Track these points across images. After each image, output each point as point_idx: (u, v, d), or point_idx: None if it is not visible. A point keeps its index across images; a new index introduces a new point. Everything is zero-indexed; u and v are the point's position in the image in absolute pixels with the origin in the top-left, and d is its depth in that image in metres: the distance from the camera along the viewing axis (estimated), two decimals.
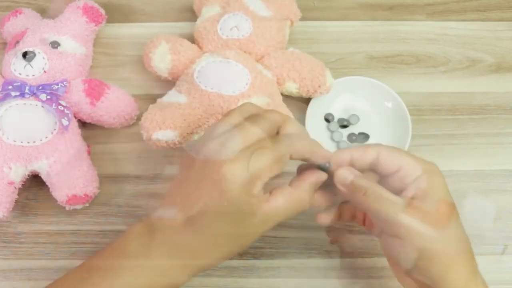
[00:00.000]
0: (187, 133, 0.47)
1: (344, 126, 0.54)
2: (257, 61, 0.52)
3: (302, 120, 0.52)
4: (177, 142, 0.47)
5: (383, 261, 0.48)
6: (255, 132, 0.36)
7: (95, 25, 0.56)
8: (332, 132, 0.53)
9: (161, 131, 0.46)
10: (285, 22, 0.55)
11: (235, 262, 0.48)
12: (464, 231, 0.39)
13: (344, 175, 0.39)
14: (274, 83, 0.51)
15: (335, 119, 0.54)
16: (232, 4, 0.54)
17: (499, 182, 0.52)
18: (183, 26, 0.60)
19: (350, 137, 0.53)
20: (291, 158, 0.38)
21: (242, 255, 0.48)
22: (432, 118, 0.55)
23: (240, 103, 0.47)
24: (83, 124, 0.52)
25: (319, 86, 0.51)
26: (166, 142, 0.46)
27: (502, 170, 0.53)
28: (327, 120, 0.54)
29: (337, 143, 0.53)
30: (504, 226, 0.50)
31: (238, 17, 0.53)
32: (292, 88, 0.51)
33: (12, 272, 0.47)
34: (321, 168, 0.39)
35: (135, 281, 0.36)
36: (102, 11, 0.56)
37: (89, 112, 0.50)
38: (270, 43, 0.53)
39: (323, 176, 0.39)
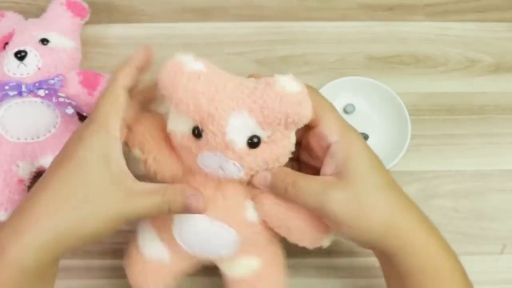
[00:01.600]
0: (173, 282, 0.43)
1: None
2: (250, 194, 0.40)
3: None
4: None
5: None
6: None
7: (80, 19, 0.56)
8: None
9: None
10: (290, 134, 0.37)
11: None
12: (398, 192, 0.38)
13: (263, 175, 0.38)
14: (264, 229, 0.41)
15: None
16: (210, 136, 0.35)
17: (498, 182, 0.52)
18: (184, 27, 0.60)
19: None
20: (128, 87, 0.38)
21: None
22: (431, 118, 0.55)
23: (225, 266, 0.43)
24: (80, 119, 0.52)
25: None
26: None
27: (502, 170, 0.53)
28: None
29: None
30: (504, 226, 0.50)
31: (222, 160, 0.36)
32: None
33: None
34: None
35: None
36: (85, 5, 0.57)
37: (88, 102, 0.51)
38: (270, 166, 0.38)
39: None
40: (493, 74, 0.58)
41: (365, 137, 0.53)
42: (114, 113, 0.36)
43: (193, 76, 0.35)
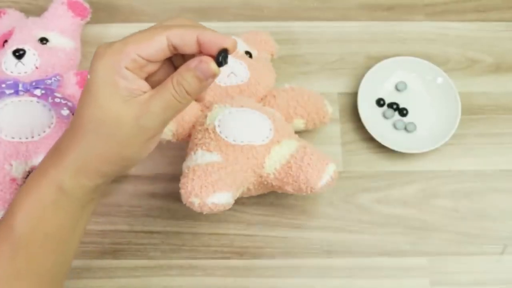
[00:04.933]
0: (236, 191, 0.44)
1: (395, 109, 0.55)
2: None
3: (353, 99, 0.54)
4: (231, 205, 0.43)
5: (383, 261, 0.48)
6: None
7: (81, 19, 0.56)
8: (384, 111, 0.55)
9: (216, 194, 0.42)
10: (269, 58, 0.55)
11: (235, 262, 0.48)
12: None
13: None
14: (286, 123, 0.50)
15: (386, 103, 0.55)
16: None
17: (499, 182, 0.52)
18: None
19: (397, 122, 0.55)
20: (174, 44, 0.34)
21: (242, 255, 0.49)
22: None
23: (272, 153, 0.45)
24: None
25: (324, 117, 0.51)
26: (223, 205, 0.42)
27: (502, 170, 0.53)
28: (378, 104, 0.55)
29: (391, 120, 0.55)
30: (504, 226, 0.50)
31: (232, 62, 0.50)
32: (300, 123, 0.51)
33: None
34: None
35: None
36: (87, 5, 0.57)
37: None
38: (269, 83, 0.52)
39: (208, 62, 0.34)
40: (493, 74, 0.58)
41: (405, 113, 0.55)
42: (133, 52, 0.34)
43: None
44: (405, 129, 0.54)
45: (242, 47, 0.52)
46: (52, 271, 0.37)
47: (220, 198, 0.42)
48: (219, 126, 0.45)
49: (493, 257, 0.49)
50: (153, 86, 0.35)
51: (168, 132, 0.48)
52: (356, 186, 0.52)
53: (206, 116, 0.47)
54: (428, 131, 0.53)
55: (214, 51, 0.34)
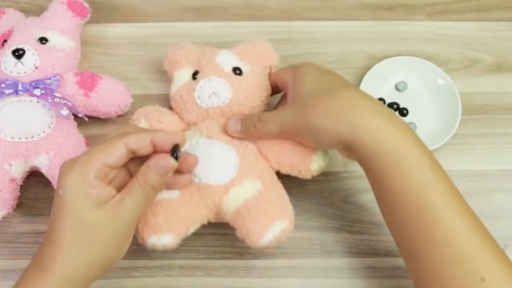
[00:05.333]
0: (184, 230, 0.43)
1: (395, 109, 0.55)
2: None
3: None
4: (174, 245, 0.43)
5: (383, 261, 0.48)
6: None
7: (81, 19, 0.56)
8: None
9: (156, 235, 0.42)
10: (265, 72, 0.50)
11: (235, 262, 0.48)
12: (344, 88, 0.42)
13: (234, 120, 0.45)
14: (260, 157, 0.46)
15: (386, 103, 0.55)
16: (204, 66, 0.49)
17: (499, 182, 0.52)
18: (184, 26, 0.60)
19: None
20: (131, 150, 0.38)
21: (242, 255, 0.48)
22: None
23: (231, 194, 0.43)
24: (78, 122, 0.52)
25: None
26: (163, 245, 0.42)
27: (502, 170, 0.53)
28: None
29: None
30: (504, 226, 0.50)
31: (215, 82, 0.48)
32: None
33: (13, 272, 0.47)
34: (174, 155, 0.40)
35: None
36: (86, 4, 0.57)
37: (84, 103, 0.51)
38: (254, 103, 0.48)
39: (167, 159, 0.39)
40: (494, 73, 0.58)
41: (405, 113, 0.55)
42: (98, 162, 0.37)
43: (189, 46, 0.51)
44: None
45: (230, 62, 0.49)
46: None
47: (160, 240, 0.42)
48: None
49: None
50: (115, 189, 0.39)
51: None
52: (356, 186, 0.51)
53: None
54: (428, 131, 0.53)
55: (168, 148, 0.39)
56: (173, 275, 0.48)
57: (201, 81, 0.48)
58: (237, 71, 0.48)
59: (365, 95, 0.41)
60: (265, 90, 0.49)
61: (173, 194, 0.43)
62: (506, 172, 0.53)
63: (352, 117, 0.39)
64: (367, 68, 0.55)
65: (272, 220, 0.41)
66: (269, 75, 0.50)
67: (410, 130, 0.39)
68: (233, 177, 0.43)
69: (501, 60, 0.58)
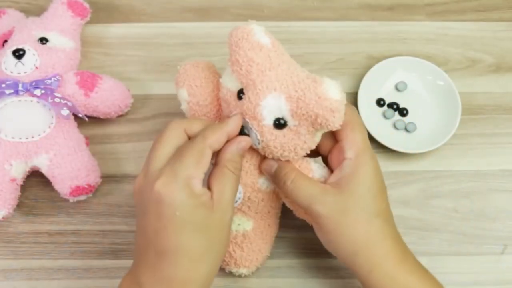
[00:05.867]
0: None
1: (395, 109, 0.55)
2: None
3: (353, 98, 0.54)
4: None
5: None
6: (169, 140, 0.37)
7: (81, 19, 0.56)
8: (384, 111, 0.55)
9: (236, 269, 0.46)
10: (314, 132, 0.39)
11: None
12: (383, 221, 0.40)
13: (270, 164, 0.41)
14: (271, 198, 0.45)
15: (386, 103, 0.55)
16: (245, 100, 0.39)
17: (499, 182, 0.52)
18: (184, 26, 0.60)
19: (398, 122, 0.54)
20: (214, 150, 0.38)
21: None
22: None
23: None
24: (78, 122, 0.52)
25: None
26: (239, 275, 0.47)
27: (502, 170, 0.53)
28: (379, 104, 0.55)
29: (391, 120, 0.55)
30: (504, 226, 0.50)
31: (248, 126, 0.40)
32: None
33: (13, 272, 0.47)
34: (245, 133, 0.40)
35: None
36: (87, 5, 0.57)
37: (84, 103, 0.51)
38: (286, 157, 0.41)
39: (245, 139, 0.39)
40: (494, 74, 0.58)
41: (405, 113, 0.55)
42: (198, 173, 0.36)
43: (256, 46, 0.38)
44: (405, 129, 0.54)
45: (276, 113, 0.38)
46: None
47: (238, 271, 0.46)
48: None
49: (493, 257, 0.49)
50: None
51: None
52: None
53: None
54: (428, 131, 0.53)
55: (236, 134, 0.39)
56: None
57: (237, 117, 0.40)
58: (280, 121, 0.38)
59: (396, 236, 0.41)
60: (304, 151, 0.41)
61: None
62: (506, 172, 0.53)
63: (375, 253, 0.39)
64: (367, 68, 0.55)
65: (236, 265, 0.45)
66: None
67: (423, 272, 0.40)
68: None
69: (501, 60, 0.58)
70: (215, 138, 0.37)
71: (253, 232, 0.45)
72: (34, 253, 0.48)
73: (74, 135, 0.49)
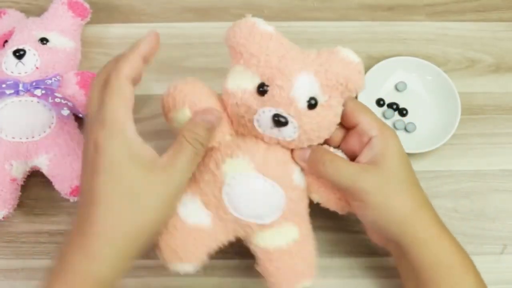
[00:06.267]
0: (206, 257, 0.42)
1: (395, 109, 0.55)
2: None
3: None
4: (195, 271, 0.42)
5: (383, 261, 0.48)
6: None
7: (81, 20, 0.56)
8: (384, 111, 0.55)
9: (182, 264, 0.40)
10: (341, 103, 0.40)
11: (235, 262, 0.48)
12: (420, 190, 0.42)
13: (303, 150, 0.41)
14: (306, 197, 0.43)
15: (386, 103, 0.56)
16: (275, 91, 0.38)
17: (499, 182, 0.52)
18: (184, 26, 0.60)
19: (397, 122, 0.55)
20: (135, 79, 0.37)
21: (242, 255, 0.48)
22: None
23: (267, 234, 0.41)
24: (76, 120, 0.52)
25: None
26: (184, 273, 0.41)
27: (502, 170, 0.53)
28: (378, 104, 0.56)
29: (391, 120, 0.55)
30: (504, 226, 0.50)
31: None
32: None
33: (13, 272, 0.47)
34: None
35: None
36: (87, 5, 0.57)
37: (84, 103, 0.51)
38: (316, 142, 0.41)
39: (213, 114, 0.38)
40: (494, 74, 0.58)
41: (405, 113, 0.55)
42: (123, 110, 0.36)
43: (266, 35, 0.39)
44: (405, 129, 0.54)
45: (308, 93, 0.38)
46: None
47: (183, 267, 0.40)
48: (228, 185, 0.40)
49: (493, 257, 0.49)
50: None
51: None
52: None
53: (224, 161, 0.40)
54: (428, 131, 0.53)
55: (153, 51, 0.38)
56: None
57: (264, 109, 0.38)
58: (312, 101, 0.38)
59: (428, 201, 0.42)
60: (335, 126, 0.41)
61: (205, 220, 0.41)
62: (506, 172, 0.53)
63: (421, 221, 0.40)
64: (367, 68, 0.55)
65: (302, 278, 0.42)
66: (345, 105, 0.41)
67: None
68: (275, 219, 0.40)
69: (501, 61, 0.58)
70: (129, 67, 0.36)
71: (302, 239, 0.42)
72: (34, 253, 0.48)
73: (74, 135, 0.49)
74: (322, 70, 0.38)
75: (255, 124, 0.39)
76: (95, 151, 0.35)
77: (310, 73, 0.38)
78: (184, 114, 0.39)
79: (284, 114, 0.38)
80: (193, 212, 0.40)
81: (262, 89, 0.38)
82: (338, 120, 0.40)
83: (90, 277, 0.33)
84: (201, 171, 0.41)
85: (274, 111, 0.38)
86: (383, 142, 0.40)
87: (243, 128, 0.40)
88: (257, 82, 0.38)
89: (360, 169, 0.40)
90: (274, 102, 0.38)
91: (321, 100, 0.38)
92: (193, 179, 0.41)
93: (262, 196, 0.40)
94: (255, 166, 0.40)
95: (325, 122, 0.39)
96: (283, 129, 0.38)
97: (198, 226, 0.40)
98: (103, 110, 0.35)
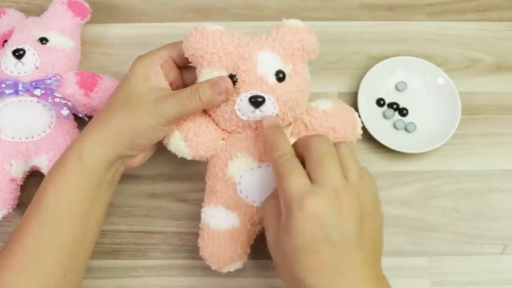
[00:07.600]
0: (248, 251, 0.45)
1: (395, 109, 0.55)
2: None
3: (353, 99, 0.54)
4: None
5: (383, 261, 0.48)
6: None
7: (81, 19, 0.56)
8: (384, 111, 0.55)
9: (232, 264, 0.44)
10: (306, 67, 0.44)
11: None
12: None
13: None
14: None
15: (386, 103, 0.55)
16: (244, 76, 0.42)
17: (499, 182, 0.52)
18: (183, 27, 0.60)
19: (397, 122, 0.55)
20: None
21: None
22: None
23: None
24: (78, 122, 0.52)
25: (351, 140, 0.46)
26: (236, 269, 0.44)
27: (502, 170, 0.53)
28: (378, 104, 0.55)
29: (391, 120, 0.55)
30: (504, 226, 0.50)
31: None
32: None
33: None
34: None
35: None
36: (87, 5, 0.57)
37: (84, 103, 0.51)
38: (298, 110, 0.44)
39: (225, 81, 0.41)
40: (494, 73, 0.58)
41: (405, 113, 0.55)
42: (155, 54, 0.44)
43: (217, 33, 0.42)
44: (405, 129, 0.54)
45: (273, 67, 0.42)
46: (74, 248, 0.40)
47: (235, 266, 0.44)
48: (240, 184, 0.43)
49: (493, 257, 0.49)
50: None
51: (184, 150, 0.44)
52: None
53: (226, 165, 0.44)
54: (428, 131, 0.53)
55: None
56: (173, 275, 0.48)
57: (242, 95, 0.42)
58: (280, 74, 0.42)
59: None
60: (308, 91, 0.44)
61: (235, 221, 0.44)
62: (506, 172, 0.53)
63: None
64: (367, 68, 0.55)
65: None
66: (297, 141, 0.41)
67: None
68: None
69: (501, 60, 0.58)
70: (173, 47, 0.45)
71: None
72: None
73: (74, 135, 0.49)
74: (277, 44, 0.42)
75: (238, 113, 0.42)
76: (129, 70, 0.44)
77: (267, 50, 0.42)
78: (176, 135, 0.44)
79: (258, 93, 0.41)
80: (222, 220, 0.44)
81: (232, 80, 0.42)
82: (308, 85, 0.44)
83: (76, 152, 0.41)
84: (213, 182, 0.45)
85: (249, 95, 0.42)
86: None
87: (230, 123, 0.43)
88: (224, 74, 0.42)
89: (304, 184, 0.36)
90: (247, 86, 0.42)
91: (287, 70, 0.42)
92: (210, 192, 0.45)
93: (271, 180, 0.43)
94: (254, 158, 0.43)
95: (299, 90, 0.43)
96: (263, 107, 0.42)
97: (230, 229, 0.43)
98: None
